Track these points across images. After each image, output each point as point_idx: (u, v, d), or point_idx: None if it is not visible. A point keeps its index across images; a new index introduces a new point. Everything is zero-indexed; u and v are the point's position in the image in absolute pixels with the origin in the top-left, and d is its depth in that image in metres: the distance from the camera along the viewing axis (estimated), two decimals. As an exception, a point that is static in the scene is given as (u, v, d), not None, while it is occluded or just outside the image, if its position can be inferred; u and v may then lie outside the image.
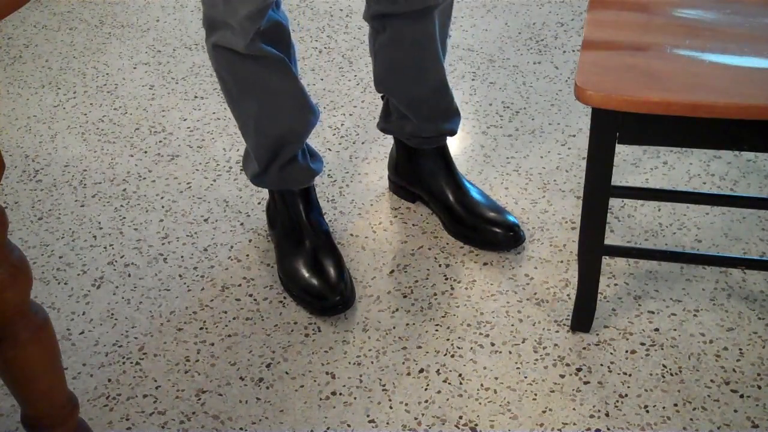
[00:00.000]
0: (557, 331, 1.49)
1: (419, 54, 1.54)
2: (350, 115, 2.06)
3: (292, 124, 1.53)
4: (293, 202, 1.61)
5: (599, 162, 1.27)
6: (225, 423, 1.37)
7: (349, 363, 1.45)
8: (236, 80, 1.47)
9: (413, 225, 1.73)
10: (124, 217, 1.79)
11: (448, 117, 1.64)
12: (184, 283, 1.62)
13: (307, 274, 1.54)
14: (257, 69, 1.44)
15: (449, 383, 1.41)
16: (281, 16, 1.45)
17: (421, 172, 1.69)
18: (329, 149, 1.94)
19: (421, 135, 1.64)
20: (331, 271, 1.54)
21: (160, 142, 2.01)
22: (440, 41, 1.55)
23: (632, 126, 1.22)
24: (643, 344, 1.46)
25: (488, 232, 1.62)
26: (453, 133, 1.66)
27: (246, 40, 1.39)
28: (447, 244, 1.68)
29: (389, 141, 1.96)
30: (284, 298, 1.58)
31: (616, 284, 1.57)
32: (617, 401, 1.37)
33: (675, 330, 1.48)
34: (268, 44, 1.43)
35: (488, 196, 1.69)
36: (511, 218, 1.63)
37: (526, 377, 1.41)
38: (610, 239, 1.65)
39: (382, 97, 1.68)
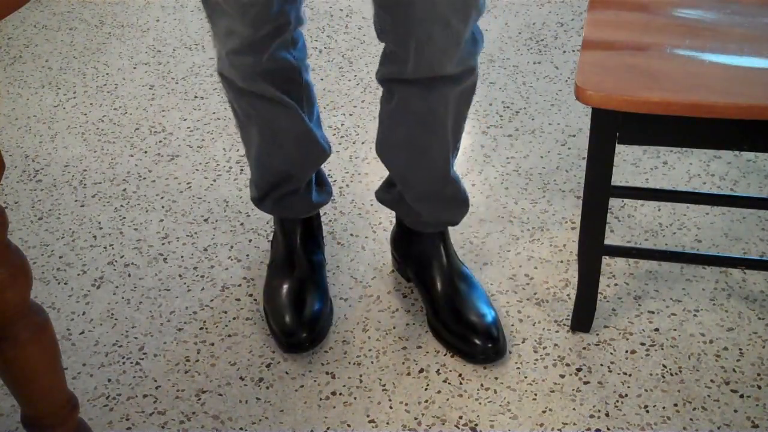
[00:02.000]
0: (557, 331, 1.49)
1: (423, 134, 1.35)
2: (350, 115, 2.06)
3: (294, 162, 1.45)
4: (291, 228, 1.54)
5: (599, 162, 1.27)
6: (225, 423, 1.37)
7: (349, 363, 1.45)
8: (241, 109, 1.40)
9: (413, 225, 1.73)
10: (124, 217, 1.79)
11: (449, 207, 1.47)
12: (184, 283, 1.62)
13: (282, 309, 1.47)
14: (258, 105, 1.37)
15: (449, 383, 1.41)
16: (294, 56, 1.35)
17: (415, 254, 1.52)
18: (329, 149, 1.94)
19: (416, 217, 1.48)
20: (307, 309, 1.46)
21: (160, 142, 2.00)
22: (451, 131, 1.36)
23: (632, 126, 1.22)
24: (643, 344, 1.46)
25: (466, 340, 1.43)
26: (452, 224, 1.50)
27: (242, 77, 1.31)
28: (447, 244, 1.67)
29: (389, 141, 1.96)
30: (284, 298, 1.58)
31: (616, 284, 1.57)
32: (617, 401, 1.37)
33: (675, 330, 1.48)
34: (273, 84, 1.34)
35: (481, 293, 1.49)
36: (493, 325, 1.43)
37: (526, 377, 1.41)
38: (610, 239, 1.65)
39: None
